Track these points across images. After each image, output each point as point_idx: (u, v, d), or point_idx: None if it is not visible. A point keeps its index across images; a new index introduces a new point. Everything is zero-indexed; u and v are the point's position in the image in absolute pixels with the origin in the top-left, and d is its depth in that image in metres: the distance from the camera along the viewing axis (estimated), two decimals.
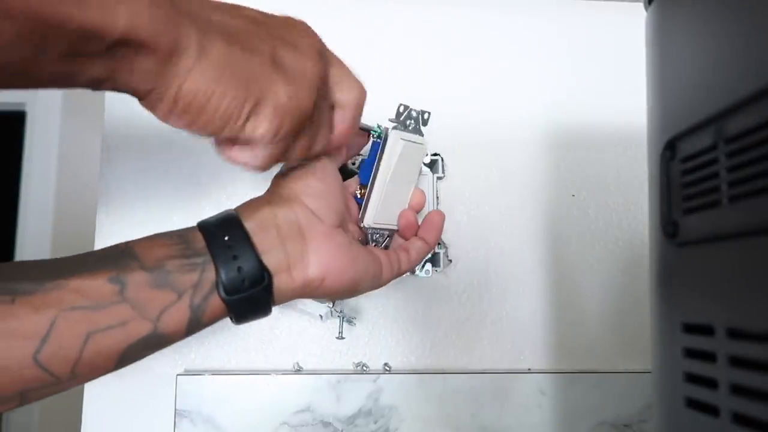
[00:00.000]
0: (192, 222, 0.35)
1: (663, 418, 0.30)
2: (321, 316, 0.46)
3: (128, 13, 0.24)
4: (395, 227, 0.43)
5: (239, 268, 0.32)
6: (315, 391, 0.51)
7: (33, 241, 1.82)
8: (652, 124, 0.33)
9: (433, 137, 0.56)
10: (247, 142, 0.30)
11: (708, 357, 0.25)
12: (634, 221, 0.57)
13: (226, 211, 0.35)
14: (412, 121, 0.44)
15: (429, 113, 0.47)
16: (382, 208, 0.41)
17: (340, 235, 0.36)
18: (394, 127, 0.42)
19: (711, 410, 0.25)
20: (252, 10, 0.32)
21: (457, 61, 0.58)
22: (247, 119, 0.29)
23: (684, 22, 0.30)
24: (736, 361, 0.23)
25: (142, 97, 0.27)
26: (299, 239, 0.35)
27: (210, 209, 0.45)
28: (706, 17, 0.27)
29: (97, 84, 0.26)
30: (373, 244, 0.41)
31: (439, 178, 0.55)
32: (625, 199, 0.57)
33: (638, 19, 0.36)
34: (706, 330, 0.26)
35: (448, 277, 0.55)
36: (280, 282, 0.34)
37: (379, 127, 0.43)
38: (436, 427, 0.51)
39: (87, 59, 0.24)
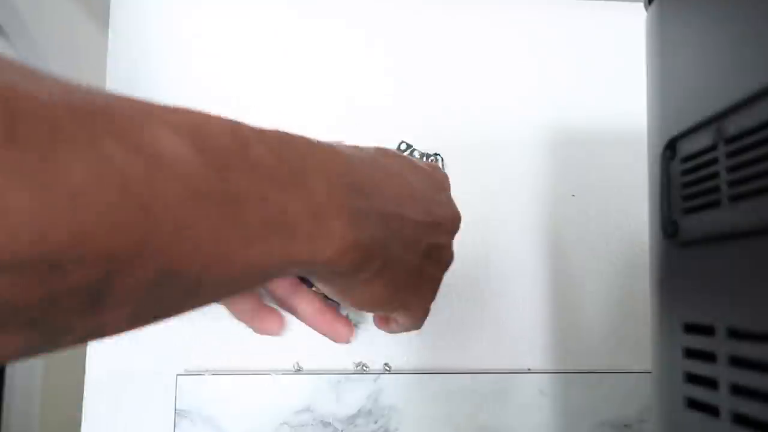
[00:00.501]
0: None
1: (663, 419, 0.30)
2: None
3: (332, 245, 0.23)
4: None
5: None
6: (315, 391, 0.51)
7: None
8: (652, 124, 0.33)
9: (433, 137, 0.56)
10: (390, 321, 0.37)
11: (708, 357, 0.25)
12: (634, 221, 0.57)
13: None
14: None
15: (438, 157, 0.48)
16: None
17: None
18: None
19: (711, 410, 0.25)
20: (411, 170, 0.32)
21: (457, 61, 0.58)
22: (392, 312, 0.34)
23: (684, 22, 0.30)
24: (737, 362, 0.23)
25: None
26: None
27: None
28: (706, 17, 0.27)
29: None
30: None
31: None
32: (626, 199, 0.57)
33: (638, 19, 0.36)
34: (707, 330, 0.26)
35: (448, 277, 0.54)
36: None
37: None
38: (437, 427, 0.51)
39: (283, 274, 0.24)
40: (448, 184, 0.36)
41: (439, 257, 0.33)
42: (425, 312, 0.36)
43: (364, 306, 0.31)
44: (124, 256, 0.16)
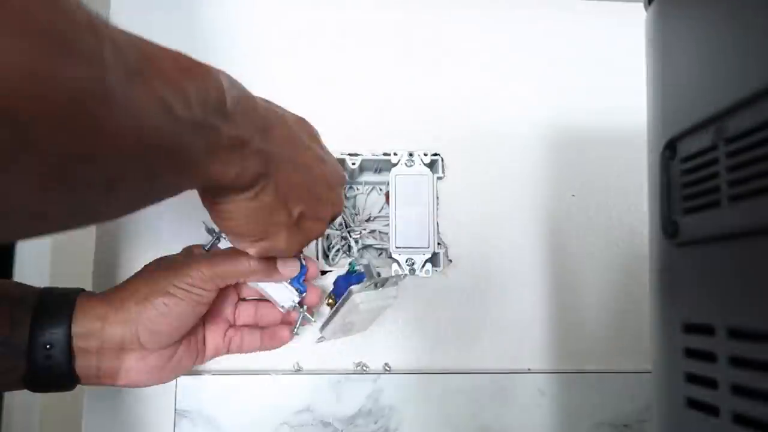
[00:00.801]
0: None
1: (663, 419, 0.30)
2: (283, 307, 0.47)
3: (234, 174, 0.30)
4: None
5: (50, 367, 0.37)
6: (315, 391, 0.51)
7: (32, 247, 1.81)
8: (652, 124, 0.33)
9: (433, 137, 0.56)
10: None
11: (708, 357, 0.25)
12: (634, 221, 0.57)
13: (71, 296, 0.40)
14: (378, 282, 0.45)
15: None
16: (340, 328, 0.47)
17: (156, 359, 0.41)
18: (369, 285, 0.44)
19: (711, 410, 0.25)
20: (314, 162, 0.39)
21: (457, 61, 0.58)
22: (247, 243, 0.37)
23: (684, 22, 0.30)
24: (737, 361, 0.23)
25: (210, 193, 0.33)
26: (116, 356, 0.40)
27: None
28: (706, 17, 0.27)
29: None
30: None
31: (439, 178, 0.55)
32: (625, 199, 0.57)
33: (638, 19, 0.36)
34: (707, 330, 0.26)
35: (448, 277, 0.55)
36: (86, 382, 0.40)
37: (352, 264, 0.48)
38: (436, 427, 0.51)
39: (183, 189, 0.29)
40: (344, 181, 0.44)
41: (307, 229, 0.38)
42: (267, 253, 0.38)
43: (234, 222, 0.34)
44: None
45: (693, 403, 0.27)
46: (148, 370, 0.41)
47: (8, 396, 1.25)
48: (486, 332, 0.54)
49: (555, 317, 0.55)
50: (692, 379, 0.27)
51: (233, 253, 0.41)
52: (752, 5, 0.24)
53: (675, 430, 0.29)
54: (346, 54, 0.58)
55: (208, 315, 0.45)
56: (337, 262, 0.55)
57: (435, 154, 0.55)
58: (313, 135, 0.41)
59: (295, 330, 0.47)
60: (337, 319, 0.44)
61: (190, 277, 0.39)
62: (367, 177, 0.57)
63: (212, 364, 0.52)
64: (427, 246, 0.52)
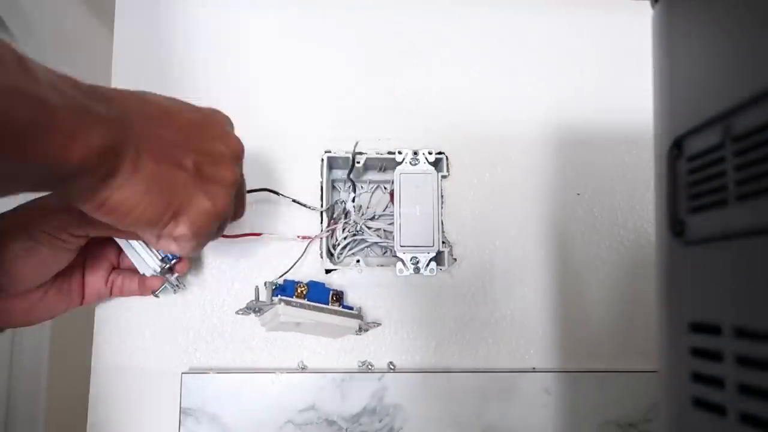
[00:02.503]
0: None
1: (669, 418, 0.30)
2: (156, 295, 0.49)
3: (82, 148, 0.26)
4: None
5: None
6: (319, 390, 0.51)
7: None
8: (659, 122, 0.32)
9: (438, 136, 0.56)
10: (170, 239, 0.35)
11: (715, 356, 0.25)
12: (639, 220, 0.57)
13: None
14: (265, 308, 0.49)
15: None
16: (270, 322, 0.49)
17: (21, 301, 0.42)
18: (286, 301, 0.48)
19: (718, 410, 0.25)
20: (182, 111, 0.36)
21: (462, 60, 0.58)
22: (168, 222, 0.33)
23: (691, 19, 0.29)
24: (744, 361, 0.23)
25: (64, 196, 0.30)
26: None
27: None
28: (713, 14, 0.27)
29: (28, 191, 0.29)
30: None
31: (443, 177, 0.55)
32: (631, 197, 0.57)
33: (644, 17, 0.36)
34: (713, 329, 0.26)
35: (453, 276, 0.55)
36: None
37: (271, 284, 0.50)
38: (441, 426, 0.51)
39: (30, 184, 0.27)
40: (229, 122, 0.40)
41: (215, 175, 0.35)
42: (203, 223, 0.34)
43: (136, 214, 0.31)
44: None
45: (699, 403, 0.27)
46: (17, 312, 0.42)
47: (13, 392, 1.26)
48: (491, 331, 0.54)
49: (560, 316, 0.55)
50: (699, 378, 0.27)
51: None
52: (759, 2, 0.23)
53: (681, 429, 0.28)
54: (352, 54, 0.58)
55: (90, 258, 0.46)
56: (342, 260, 0.55)
57: (440, 153, 0.55)
58: (168, 97, 0.37)
59: (156, 293, 0.49)
60: (268, 314, 0.48)
61: (57, 220, 0.39)
62: (372, 176, 0.57)
63: (217, 363, 0.52)
64: (431, 245, 0.52)
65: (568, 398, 0.52)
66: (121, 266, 0.48)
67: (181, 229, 0.34)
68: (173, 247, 0.36)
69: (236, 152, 0.38)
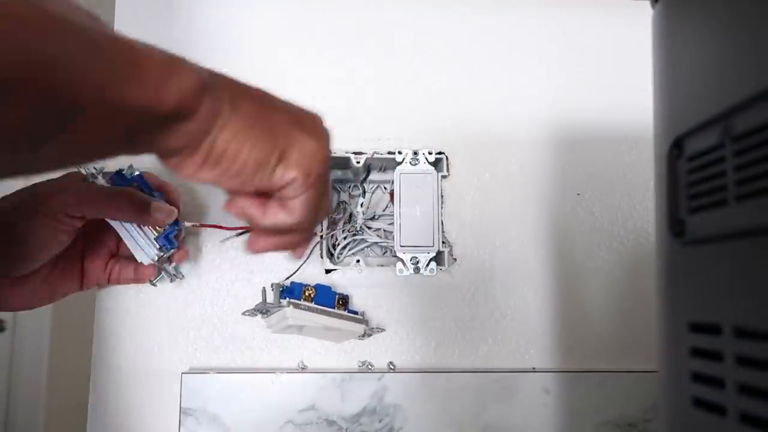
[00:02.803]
0: None
1: (669, 418, 0.30)
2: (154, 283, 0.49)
3: (177, 90, 0.26)
4: None
5: None
6: (320, 390, 0.51)
7: None
8: (659, 122, 0.32)
9: (438, 136, 0.56)
10: (280, 199, 0.32)
11: (715, 356, 0.25)
12: (639, 220, 0.57)
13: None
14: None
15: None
16: (278, 325, 0.49)
17: (25, 283, 0.43)
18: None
19: (718, 410, 0.25)
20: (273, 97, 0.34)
21: (462, 60, 0.58)
22: (276, 166, 0.31)
23: (691, 19, 0.29)
24: (744, 361, 0.23)
25: (170, 156, 0.29)
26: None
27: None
28: (713, 14, 0.27)
29: (135, 151, 0.28)
30: None
31: (443, 177, 0.55)
32: (631, 197, 0.57)
33: (644, 16, 0.36)
34: (713, 329, 0.26)
35: (453, 276, 0.55)
36: None
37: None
38: (441, 426, 0.51)
39: (136, 134, 0.26)
40: (317, 115, 0.36)
41: (311, 122, 0.34)
42: (312, 164, 0.31)
43: (243, 159, 0.29)
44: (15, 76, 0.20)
45: (699, 403, 0.27)
46: (17, 296, 0.42)
47: (13, 392, 1.26)
48: (490, 331, 0.54)
49: (560, 316, 0.55)
50: (698, 378, 0.27)
51: (108, 189, 0.41)
52: (759, 2, 0.23)
53: (681, 429, 0.28)
54: (352, 54, 0.58)
55: (88, 243, 0.46)
56: (342, 260, 0.55)
57: (440, 153, 0.55)
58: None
59: (154, 281, 0.49)
60: (275, 316, 0.48)
61: (53, 202, 0.40)
62: (372, 176, 0.57)
63: (217, 363, 0.52)
64: (431, 244, 0.52)
65: (567, 398, 0.52)
66: (120, 254, 0.48)
67: (292, 172, 0.31)
68: (282, 216, 0.32)
69: (327, 135, 0.35)
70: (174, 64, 0.27)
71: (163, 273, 0.48)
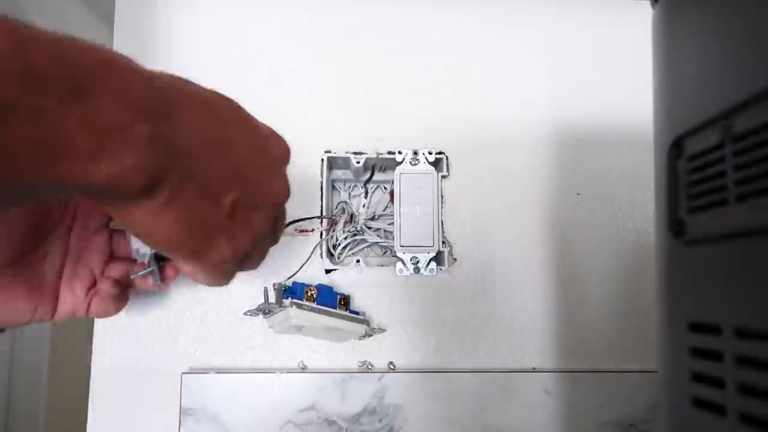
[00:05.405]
0: None
1: (669, 418, 0.30)
2: (137, 251, 0.43)
3: (111, 168, 0.23)
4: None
5: None
6: (320, 390, 0.51)
7: None
8: (659, 123, 0.32)
9: (438, 136, 0.56)
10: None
11: (715, 356, 0.25)
12: (639, 220, 0.57)
13: None
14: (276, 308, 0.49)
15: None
16: (280, 325, 0.49)
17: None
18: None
19: (718, 410, 0.25)
20: (246, 138, 0.31)
21: (461, 60, 0.58)
22: (179, 257, 0.30)
23: (691, 19, 0.29)
24: (744, 361, 0.23)
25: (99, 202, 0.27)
26: None
27: None
28: (713, 14, 0.27)
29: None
30: None
31: (443, 177, 0.55)
32: (631, 197, 0.57)
33: (644, 16, 0.36)
34: (713, 329, 0.26)
35: (453, 276, 0.55)
36: None
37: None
38: (441, 426, 0.51)
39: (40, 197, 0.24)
40: (286, 158, 0.35)
41: (247, 219, 0.31)
42: (216, 268, 0.31)
43: (154, 239, 0.28)
44: None
45: (699, 403, 0.27)
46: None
47: (13, 392, 1.26)
48: (491, 331, 0.54)
49: (560, 316, 0.55)
50: (699, 378, 0.27)
51: None
52: (759, 2, 0.23)
53: (681, 429, 0.28)
54: (352, 53, 0.58)
55: (69, 262, 0.40)
56: (342, 260, 0.55)
57: (440, 153, 0.55)
58: (235, 107, 0.32)
59: (135, 275, 0.42)
60: (278, 316, 0.49)
61: None
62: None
63: (217, 363, 0.52)
64: (431, 245, 0.52)
65: (567, 398, 0.52)
66: (115, 255, 0.43)
67: (190, 268, 0.31)
68: (188, 271, 0.33)
69: (278, 199, 0.34)
70: (114, 135, 0.23)
71: (146, 271, 0.43)
